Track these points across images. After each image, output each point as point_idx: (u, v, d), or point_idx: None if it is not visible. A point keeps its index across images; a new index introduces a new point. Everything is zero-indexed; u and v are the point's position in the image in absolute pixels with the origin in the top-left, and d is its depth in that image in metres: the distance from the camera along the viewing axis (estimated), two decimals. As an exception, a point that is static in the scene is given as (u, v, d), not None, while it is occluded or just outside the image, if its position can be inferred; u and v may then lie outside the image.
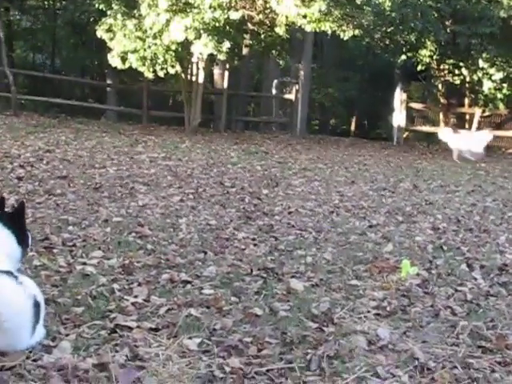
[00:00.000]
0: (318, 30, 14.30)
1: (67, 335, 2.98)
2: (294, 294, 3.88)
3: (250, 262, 4.56)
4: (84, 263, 4.20)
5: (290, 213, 6.62)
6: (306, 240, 5.40)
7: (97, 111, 20.32)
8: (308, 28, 14.19)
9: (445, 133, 15.43)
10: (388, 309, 3.72)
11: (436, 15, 16.20)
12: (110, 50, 14.79)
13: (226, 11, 13.55)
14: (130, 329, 3.12)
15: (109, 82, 20.74)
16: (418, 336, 3.34)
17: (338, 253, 4.99)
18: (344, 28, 14.19)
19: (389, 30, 16.55)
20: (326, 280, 4.22)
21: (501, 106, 18.16)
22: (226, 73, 17.76)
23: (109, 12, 14.49)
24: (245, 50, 17.67)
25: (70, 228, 5.17)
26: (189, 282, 3.96)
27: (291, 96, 18.96)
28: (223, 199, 7.14)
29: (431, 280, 4.38)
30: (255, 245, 5.13)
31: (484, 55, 16.57)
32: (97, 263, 4.22)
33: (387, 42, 17.45)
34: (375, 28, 16.04)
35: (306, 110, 19.04)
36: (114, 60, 14.74)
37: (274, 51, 17.10)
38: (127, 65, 14.65)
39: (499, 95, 17.38)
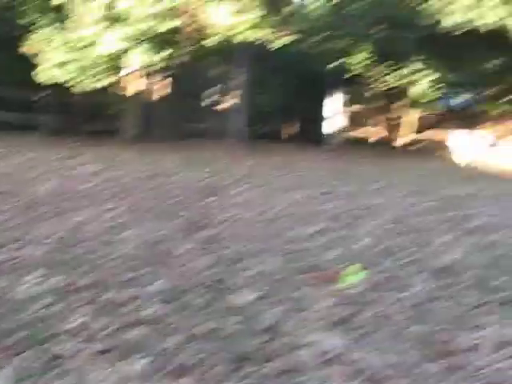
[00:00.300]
0: (252, 38, 14.34)
1: (8, 364, 2.83)
2: (241, 307, 3.81)
3: (195, 275, 4.47)
4: (22, 285, 4.03)
5: (233, 222, 6.55)
6: (251, 250, 5.34)
7: (31, 125, 19.81)
8: (243, 36, 14.21)
9: (456, 136, 15.83)
10: (337, 317, 3.69)
11: (369, 21, 16.42)
12: (38, 64, 14.46)
13: (161, 20, 13.43)
14: (74, 353, 2.99)
15: (43, 95, 20.26)
16: (368, 344, 3.31)
17: (284, 262, 4.94)
18: (278, 35, 14.26)
19: (323, 36, 16.69)
20: (274, 291, 4.16)
21: (434, 107, 18.60)
22: (165, 81, 17.61)
23: (37, 25, 14.17)
24: (183, 58, 17.52)
25: (4, 250, 4.97)
26: (133, 300, 3.84)
27: (231, 103, 18.91)
28: (165, 210, 7.02)
29: (378, 284, 4.36)
30: (200, 257, 5.04)
31: (416, 59, 16.93)
32: (35, 284, 4.06)
33: (322, 48, 17.57)
34: (309, 34, 16.15)
35: (245, 116, 19.04)
36: (44, 74, 14.42)
37: (212, 58, 17.03)
38: (61, 78, 14.35)
39: (431, 97, 17.80)
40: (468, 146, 15.64)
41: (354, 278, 4.41)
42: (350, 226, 6.50)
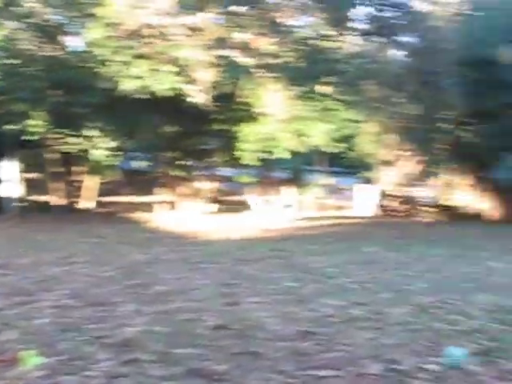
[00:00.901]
0: None
1: None
2: None
3: None
4: None
5: None
6: None
7: None
8: None
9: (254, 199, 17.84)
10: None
11: (45, 84, 16.04)
12: None
13: None
14: None
15: None
16: None
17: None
18: None
19: (-3, 99, 15.97)
20: None
21: (112, 172, 18.85)
22: None
23: None
24: None
25: None
26: None
27: None
28: None
29: (57, 368, 4.10)
30: None
31: (94, 124, 17.00)
32: None
33: (-3, 112, 16.77)
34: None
35: None
36: None
37: None
38: None
39: (109, 163, 18.03)
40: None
41: (33, 361, 4.11)
42: (26, 303, 6.10)
